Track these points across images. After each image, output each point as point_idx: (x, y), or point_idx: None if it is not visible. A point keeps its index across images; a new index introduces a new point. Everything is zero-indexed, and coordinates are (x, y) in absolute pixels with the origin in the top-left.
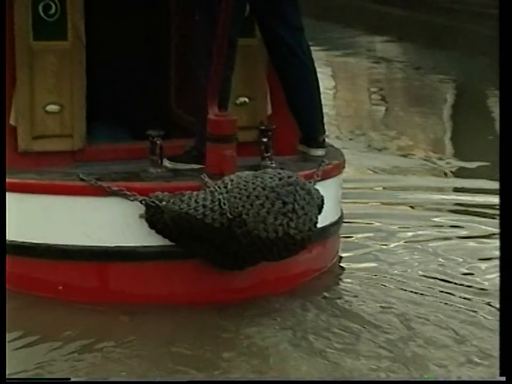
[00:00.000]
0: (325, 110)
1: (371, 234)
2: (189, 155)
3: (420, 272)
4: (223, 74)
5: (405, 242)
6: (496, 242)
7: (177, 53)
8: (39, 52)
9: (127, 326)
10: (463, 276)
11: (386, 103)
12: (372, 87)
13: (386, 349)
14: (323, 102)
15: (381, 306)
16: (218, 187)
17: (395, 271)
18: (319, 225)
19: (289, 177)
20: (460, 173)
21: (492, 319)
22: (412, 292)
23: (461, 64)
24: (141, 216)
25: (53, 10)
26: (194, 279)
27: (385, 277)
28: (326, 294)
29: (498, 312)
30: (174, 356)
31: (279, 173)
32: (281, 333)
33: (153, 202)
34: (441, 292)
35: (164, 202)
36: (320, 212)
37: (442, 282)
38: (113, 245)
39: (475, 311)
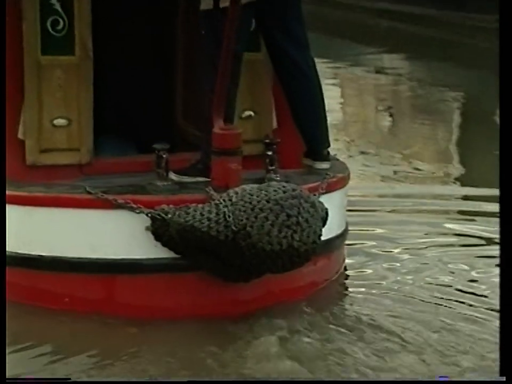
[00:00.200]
0: (332, 121)
1: (376, 242)
2: (194, 168)
3: (426, 279)
4: (229, 88)
5: (411, 249)
6: None
7: (183, 67)
8: (47, 66)
9: (135, 338)
10: (469, 283)
11: (393, 115)
12: (379, 99)
13: (390, 358)
14: (330, 113)
15: (386, 315)
16: (223, 200)
17: (400, 278)
18: (324, 238)
19: (293, 190)
20: (466, 182)
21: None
22: (417, 299)
23: (468, 78)
24: (147, 229)
25: (61, 26)
26: (200, 291)
27: (391, 285)
28: (330, 304)
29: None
30: (183, 365)
31: (283, 186)
32: (285, 345)
33: (159, 215)
34: (448, 299)
35: (170, 215)
36: (324, 225)
37: (448, 290)
38: (119, 257)
39: (480, 319)
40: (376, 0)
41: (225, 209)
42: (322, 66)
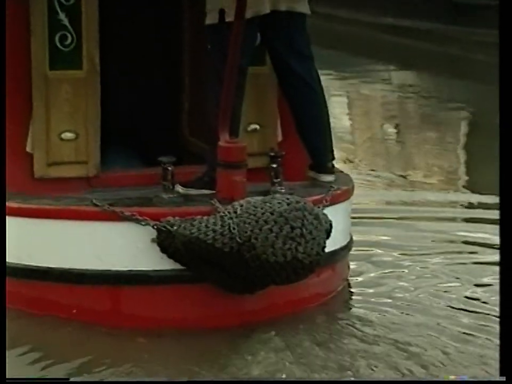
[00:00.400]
0: (339, 134)
1: (381, 250)
2: (200, 181)
3: (430, 298)
4: (234, 102)
5: (416, 267)
6: None
7: (189, 80)
8: (55, 80)
9: (144, 348)
10: (473, 300)
11: (400, 127)
12: (385, 113)
13: (395, 373)
14: (337, 126)
15: (390, 330)
16: (228, 212)
17: (403, 295)
18: (328, 249)
19: (297, 202)
20: (473, 189)
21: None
22: (422, 315)
23: (475, 92)
24: (152, 241)
25: (69, 41)
26: (206, 302)
27: (395, 300)
28: (334, 317)
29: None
30: (193, 377)
31: (287, 198)
32: (288, 356)
33: (164, 227)
34: (452, 315)
35: (175, 227)
36: (328, 237)
37: (452, 304)
38: (126, 268)
39: (485, 334)
40: (383, 16)
41: (230, 221)
42: (329, 81)
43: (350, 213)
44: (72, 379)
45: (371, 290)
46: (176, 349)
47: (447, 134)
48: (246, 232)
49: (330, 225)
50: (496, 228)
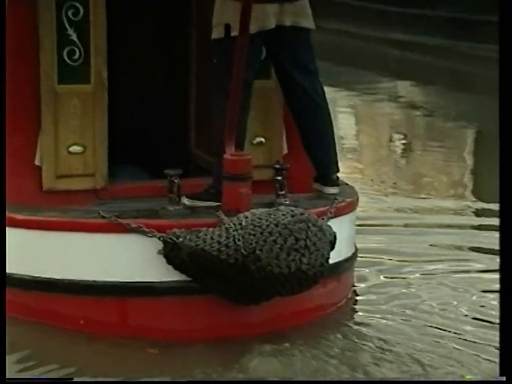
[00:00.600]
0: (346, 147)
1: (386, 267)
2: (206, 193)
3: (436, 305)
4: (239, 115)
5: (421, 276)
6: None
7: (196, 94)
8: (63, 95)
9: (156, 359)
10: (480, 307)
11: (407, 140)
12: (393, 128)
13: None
14: (344, 140)
15: (395, 341)
16: (233, 224)
17: (408, 304)
18: (332, 261)
19: (301, 214)
20: (479, 212)
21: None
22: (427, 326)
23: (482, 107)
24: (159, 252)
25: (77, 55)
26: (211, 313)
27: (400, 309)
28: (340, 328)
29: None
30: None
31: (292, 210)
32: (295, 367)
33: (170, 239)
34: (457, 327)
35: (181, 239)
36: (332, 248)
37: (459, 312)
38: (132, 280)
39: (488, 345)
40: (390, 31)
41: (235, 233)
42: (336, 95)
43: (354, 224)
44: (75, 379)
45: (375, 297)
46: (181, 361)
47: (454, 145)
48: (251, 243)
49: (335, 237)
50: None
